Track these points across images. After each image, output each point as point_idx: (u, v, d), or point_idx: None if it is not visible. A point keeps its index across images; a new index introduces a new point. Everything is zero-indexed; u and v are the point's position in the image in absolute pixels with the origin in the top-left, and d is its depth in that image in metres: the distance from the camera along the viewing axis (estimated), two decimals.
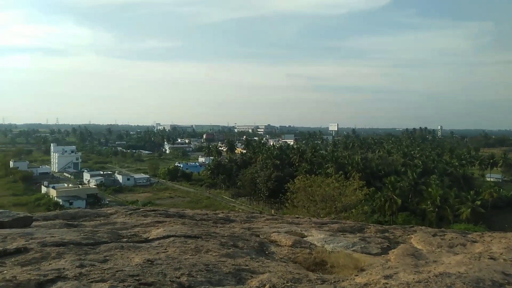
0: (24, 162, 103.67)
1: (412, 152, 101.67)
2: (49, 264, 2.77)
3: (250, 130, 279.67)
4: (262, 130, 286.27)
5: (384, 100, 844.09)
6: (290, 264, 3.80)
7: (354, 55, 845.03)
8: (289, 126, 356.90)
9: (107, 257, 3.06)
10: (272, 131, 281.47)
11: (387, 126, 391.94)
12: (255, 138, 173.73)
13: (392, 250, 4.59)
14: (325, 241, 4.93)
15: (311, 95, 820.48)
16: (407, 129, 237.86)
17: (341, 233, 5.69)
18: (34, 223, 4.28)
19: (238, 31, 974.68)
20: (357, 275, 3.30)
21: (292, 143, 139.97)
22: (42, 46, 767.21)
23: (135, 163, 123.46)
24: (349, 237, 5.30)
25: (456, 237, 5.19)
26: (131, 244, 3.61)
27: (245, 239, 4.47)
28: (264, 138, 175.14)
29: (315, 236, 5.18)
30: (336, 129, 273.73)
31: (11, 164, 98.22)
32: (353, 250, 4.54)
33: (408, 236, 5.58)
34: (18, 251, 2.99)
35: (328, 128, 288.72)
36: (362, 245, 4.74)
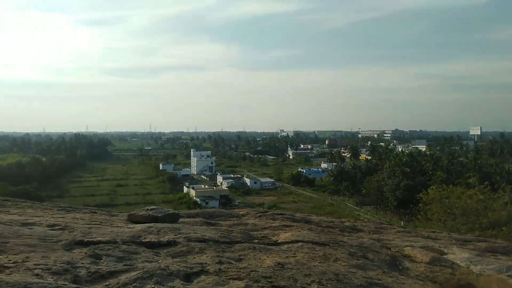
0: (170, 165, 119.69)
1: None
2: (194, 258, 3.10)
3: (375, 135, 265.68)
4: (389, 135, 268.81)
5: None
6: (428, 283, 3.45)
7: (500, 48, 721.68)
8: (420, 130, 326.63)
9: (241, 256, 3.27)
10: (400, 136, 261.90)
11: None
12: (381, 143, 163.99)
13: None
14: (471, 261, 4.33)
15: (446, 95, 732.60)
16: None
17: (490, 253, 4.94)
18: (180, 220, 4.86)
19: (361, 34, 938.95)
20: None
21: (424, 149, 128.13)
22: (185, 64, 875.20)
23: (261, 168, 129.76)
24: (502, 259, 4.55)
25: None
26: (262, 245, 3.78)
27: (375, 251, 4.24)
28: (391, 144, 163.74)
29: (458, 255, 4.60)
30: (479, 133, 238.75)
31: (160, 166, 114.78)
32: (508, 275, 3.87)
33: None
34: (169, 243, 3.43)
35: (468, 132, 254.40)
36: None
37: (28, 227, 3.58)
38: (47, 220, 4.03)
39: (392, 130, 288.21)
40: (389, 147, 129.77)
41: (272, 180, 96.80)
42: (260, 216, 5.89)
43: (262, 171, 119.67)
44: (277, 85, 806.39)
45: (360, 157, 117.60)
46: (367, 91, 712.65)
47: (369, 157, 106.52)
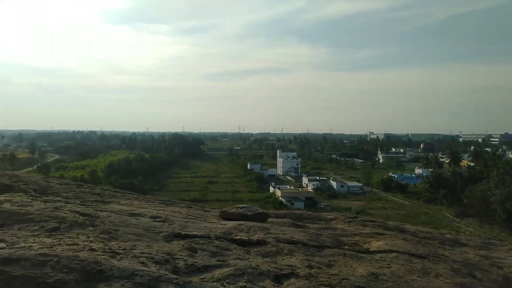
0: (257, 165, 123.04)
1: None
2: (283, 259, 3.10)
3: (479, 140, 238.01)
4: (497, 139, 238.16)
5: None
6: None
7: None
8: None
9: (331, 262, 3.17)
10: (511, 141, 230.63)
11: None
12: (486, 149, 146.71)
13: None
14: None
15: None
16: None
17: None
18: (268, 219, 4.91)
19: (463, 28, 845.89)
20: None
21: None
22: (273, 67, 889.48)
23: (348, 171, 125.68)
24: None
25: None
26: (353, 253, 3.62)
27: (483, 269, 3.77)
28: (500, 149, 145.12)
29: None
30: None
31: (248, 166, 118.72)
32: None
33: None
34: (259, 242, 3.48)
35: None
36: None
37: (135, 217, 3.96)
38: (150, 212, 4.41)
39: (500, 134, 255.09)
40: (497, 152, 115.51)
41: (360, 184, 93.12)
42: (349, 221, 5.67)
43: (349, 175, 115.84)
44: (367, 86, 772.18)
45: (461, 163, 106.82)
46: (469, 90, 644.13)
47: (472, 164, 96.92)
